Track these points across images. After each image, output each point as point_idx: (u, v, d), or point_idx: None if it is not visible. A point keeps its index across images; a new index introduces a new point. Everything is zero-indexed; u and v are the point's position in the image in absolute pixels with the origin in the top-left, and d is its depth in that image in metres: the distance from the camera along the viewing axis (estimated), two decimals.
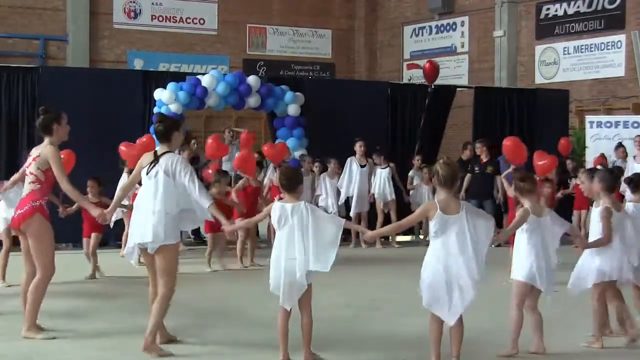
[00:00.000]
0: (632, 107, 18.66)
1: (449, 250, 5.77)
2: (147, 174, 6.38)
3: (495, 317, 7.87)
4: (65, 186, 6.76)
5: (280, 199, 6.29)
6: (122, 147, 11.57)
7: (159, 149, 6.53)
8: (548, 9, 21.19)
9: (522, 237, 6.43)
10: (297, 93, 14.71)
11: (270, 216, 6.14)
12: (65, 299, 8.63)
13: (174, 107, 13.62)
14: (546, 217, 6.41)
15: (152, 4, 23.34)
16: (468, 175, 14.28)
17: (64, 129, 7.05)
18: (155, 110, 13.79)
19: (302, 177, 6.30)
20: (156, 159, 6.39)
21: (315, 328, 6.12)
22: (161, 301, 6.29)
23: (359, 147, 14.11)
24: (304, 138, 14.69)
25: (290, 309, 6.06)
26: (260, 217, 6.65)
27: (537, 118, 16.72)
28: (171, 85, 13.73)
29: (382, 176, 14.32)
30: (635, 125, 16.59)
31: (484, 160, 14.39)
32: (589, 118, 17.73)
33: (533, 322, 6.44)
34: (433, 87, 16.50)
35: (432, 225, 5.81)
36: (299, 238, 5.92)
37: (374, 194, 14.30)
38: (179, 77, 14.61)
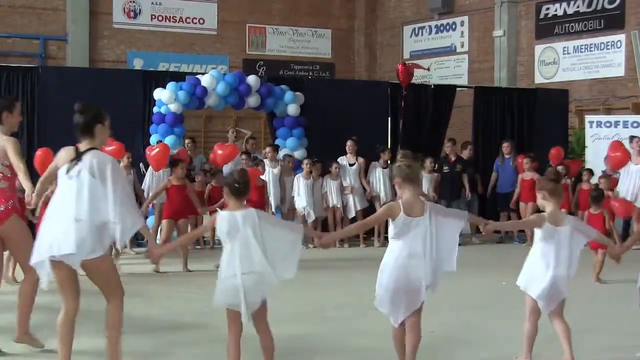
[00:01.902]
0: (631, 107, 18.64)
1: (410, 252, 5.40)
2: (66, 172, 5.38)
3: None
4: (22, 177, 6.19)
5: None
6: (39, 153, 10.94)
7: (82, 144, 5.51)
8: (548, 8, 21.18)
9: (536, 247, 5.95)
10: (297, 93, 14.72)
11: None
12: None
13: (173, 107, 13.64)
14: (565, 228, 5.83)
15: (152, 3, 23.31)
16: (437, 175, 14.48)
17: (15, 119, 6.43)
18: (155, 110, 13.81)
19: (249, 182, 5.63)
20: (78, 156, 5.41)
21: (314, 327, 6.08)
22: (114, 314, 5.46)
23: (349, 146, 14.26)
24: (304, 138, 14.71)
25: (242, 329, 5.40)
26: (199, 232, 5.95)
27: (537, 118, 16.73)
28: (171, 85, 13.74)
29: (378, 176, 14.46)
30: (635, 125, 16.57)
31: (453, 159, 14.74)
32: (588, 118, 17.72)
33: (559, 332, 5.94)
34: (433, 86, 16.50)
35: (394, 227, 5.44)
36: (255, 249, 5.27)
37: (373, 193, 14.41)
38: (178, 77, 14.62)
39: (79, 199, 5.25)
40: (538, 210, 5.64)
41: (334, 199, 14.29)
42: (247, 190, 5.45)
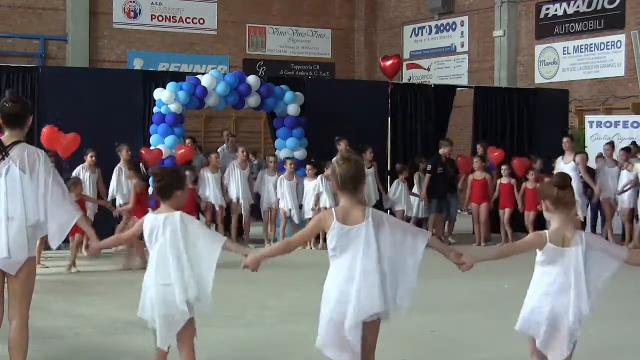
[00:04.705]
0: (631, 106, 18.67)
1: (353, 272, 4.37)
2: None
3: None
4: None
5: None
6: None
7: (5, 137, 5.03)
8: (548, 8, 21.19)
9: (536, 272, 4.65)
10: (297, 93, 14.72)
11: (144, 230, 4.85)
12: None
13: (173, 107, 13.63)
14: (575, 248, 4.50)
15: (152, 3, 23.33)
16: (428, 176, 14.37)
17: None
18: (155, 110, 13.80)
19: (181, 182, 5.08)
20: (4, 150, 4.94)
21: (314, 327, 6.04)
22: (21, 335, 4.94)
23: (344, 145, 14.11)
24: (304, 138, 14.70)
25: (169, 348, 4.83)
26: (129, 235, 5.22)
27: (537, 118, 16.74)
28: (171, 85, 13.74)
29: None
30: (635, 125, 16.59)
31: (445, 159, 14.61)
32: (588, 118, 17.74)
33: None
34: (433, 86, 16.54)
35: (329, 241, 4.44)
36: (173, 257, 4.69)
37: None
38: (178, 76, 14.63)
39: (13, 197, 4.88)
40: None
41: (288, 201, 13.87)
42: (170, 189, 4.84)
